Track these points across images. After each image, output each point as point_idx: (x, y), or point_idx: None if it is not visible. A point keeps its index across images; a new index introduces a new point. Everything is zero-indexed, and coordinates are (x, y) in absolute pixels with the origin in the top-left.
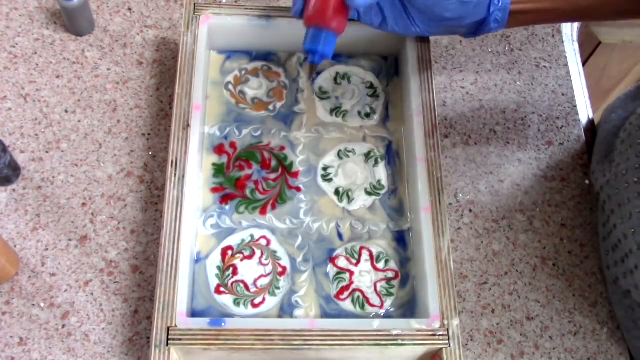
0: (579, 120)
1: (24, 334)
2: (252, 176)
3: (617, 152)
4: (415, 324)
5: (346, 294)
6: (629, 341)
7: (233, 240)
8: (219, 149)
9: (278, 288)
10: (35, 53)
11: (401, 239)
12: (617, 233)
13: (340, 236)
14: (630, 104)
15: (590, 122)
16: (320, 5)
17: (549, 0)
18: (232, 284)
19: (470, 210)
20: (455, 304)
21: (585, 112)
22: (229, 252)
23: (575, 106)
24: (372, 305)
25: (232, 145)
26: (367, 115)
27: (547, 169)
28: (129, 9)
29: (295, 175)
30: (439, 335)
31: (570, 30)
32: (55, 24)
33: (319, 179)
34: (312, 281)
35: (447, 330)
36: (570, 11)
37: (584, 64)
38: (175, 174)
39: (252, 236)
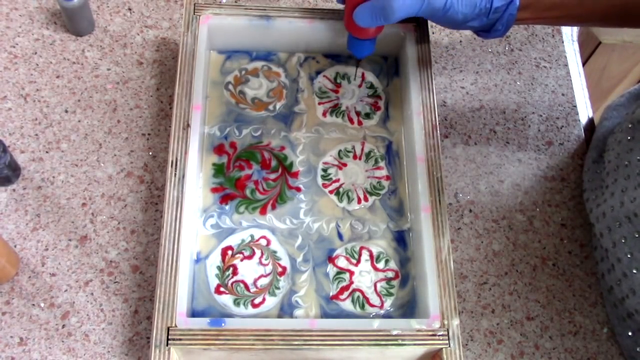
0: (579, 120)
1: (24, 334)
2: (252, 176)
3: (605, 156)
4: (415, 324)
5: (346, 294)
6: (618, 335)
7: (233, 240)
8: (219, 149)
9: (278, 288)
10: (35, 53)
11: (401, 239)
12: (595, 231)
13: (340, 236)
14: (633, 103)
15: (590, 122)
16: (349, 20)
17: (552, 11)
18: (232, 284)
19: (470, 210)
20: (455, 304)
21: (585, 112)
22: (229, 252)
23: (575, 106)
24: (372, 305)
25: (232, 145)
26: (367, 115)
27: (547, 169)
28: (129, 9)
29: (295, 175)
30: (439, 335)
31: (570, 30)
32: (55, 24)
33: (319, 179)
34: (312, 281)
35: (447, 330)
36: (572, 18)
37: (584, 64)
38: (175, 174)
39: (252, 236)
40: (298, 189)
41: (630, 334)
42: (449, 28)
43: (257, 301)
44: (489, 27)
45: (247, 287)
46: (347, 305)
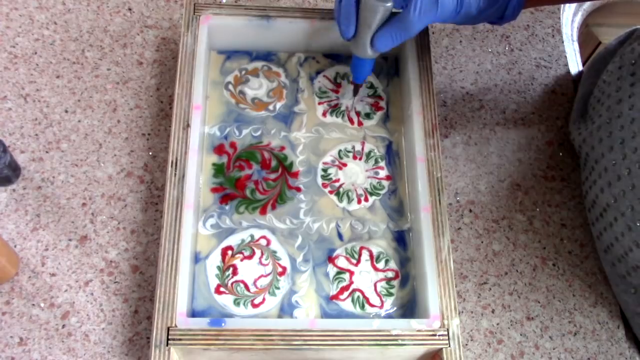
0: None
1: (24, 334)
2: (252, 176)
3: (591, 109)
4: (415, 324)
5: (346, 294)
6: (617, 295)
7: (233, 240)
8: (219, 149)
9: (278, 288)
10: (35, 53)
11: (401, 239)
12: (596, 188)
13: (340, 236)
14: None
15: None
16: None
17: None
18: (232, 284)
19: (470, 210)
20: (455, 304)
21: None
22: (229, 252)
23: None
24: (372, 305)
25: (232, 145)
26: (367, 115)
27: (547, 169)
28: (129, 9)
29: (295, 175)
30: (439, 335)
31: (570, 30)
32: (55, 23)
33: (319, 179)
34: (312, 281)
35: (447, 330)
36: None
37: (583, 64)
38: (175, 174)
39: (252, 236)
40: (298, 189)
41: (632, 291)
42: (466, 24)
43: (257, 301)
44: (500, 14)
45: (247, 287)
46: (347, 305)
